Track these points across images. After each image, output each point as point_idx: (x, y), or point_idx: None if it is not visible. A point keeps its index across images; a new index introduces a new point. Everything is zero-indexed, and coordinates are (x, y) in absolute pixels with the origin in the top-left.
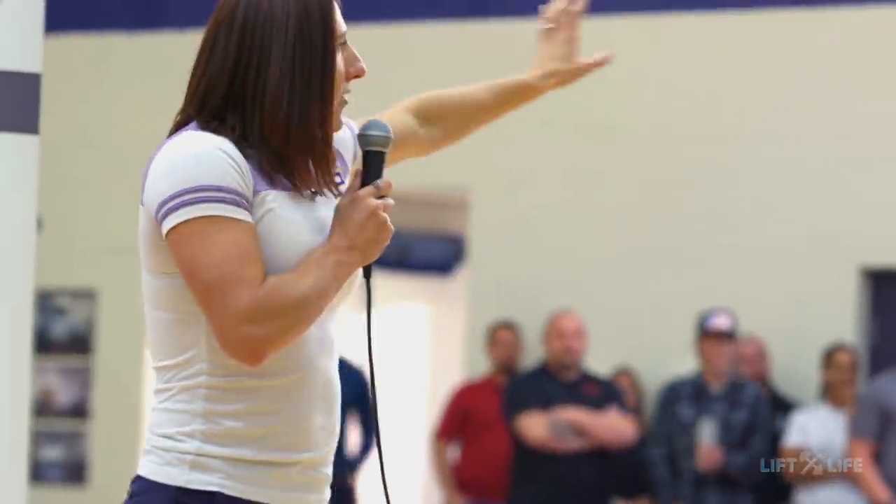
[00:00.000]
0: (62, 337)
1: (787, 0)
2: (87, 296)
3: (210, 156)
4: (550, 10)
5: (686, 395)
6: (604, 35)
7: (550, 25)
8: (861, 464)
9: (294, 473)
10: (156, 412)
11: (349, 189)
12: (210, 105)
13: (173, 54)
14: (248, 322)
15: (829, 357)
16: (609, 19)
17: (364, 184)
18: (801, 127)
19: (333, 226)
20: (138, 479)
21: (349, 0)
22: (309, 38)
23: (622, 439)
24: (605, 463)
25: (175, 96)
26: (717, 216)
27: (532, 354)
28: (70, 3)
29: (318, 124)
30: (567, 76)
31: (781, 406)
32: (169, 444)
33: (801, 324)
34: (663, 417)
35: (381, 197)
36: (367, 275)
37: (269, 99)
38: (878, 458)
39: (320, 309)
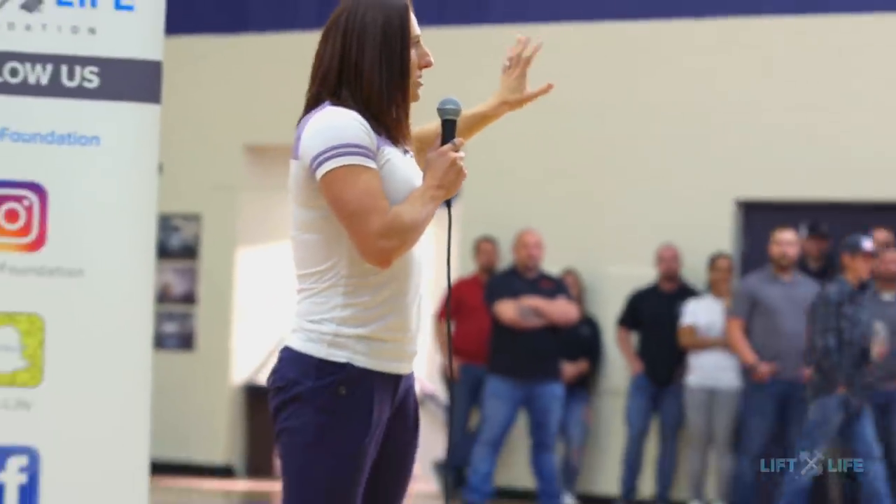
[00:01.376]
0: (176, 247)
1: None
2: (194, 218)
3: (349, 123)
4: (511, 53)
5: (844, 299)
6: (564, 39)
7: (508, 64)
8: (738, 336)
9: (398, 348)
10: (302, 304)
11: (433, 148)
12: (329, 85)
13: (253, 51)
14: (381, 238)
15: (713, 262)
16: (559, 26)
17: (443, 143)
18: (697, 95)
19: (426, 172)
20: (287, 350)
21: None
22: (391, 39)
23: (568, 319)
24: (555, 336)
25: (248, 80)
26: (637, 159)
27: (505, 260)
28: (176, 13)
29: (399, 96)
30: (516, 104)
31: (691, 293)
32: (313, 326)
33: (695, 238)
34: (835, 315)
35: (457, 151)
36: (449, 205)
37: (367, 80)
38: (747, 331)
39: (425, 229)
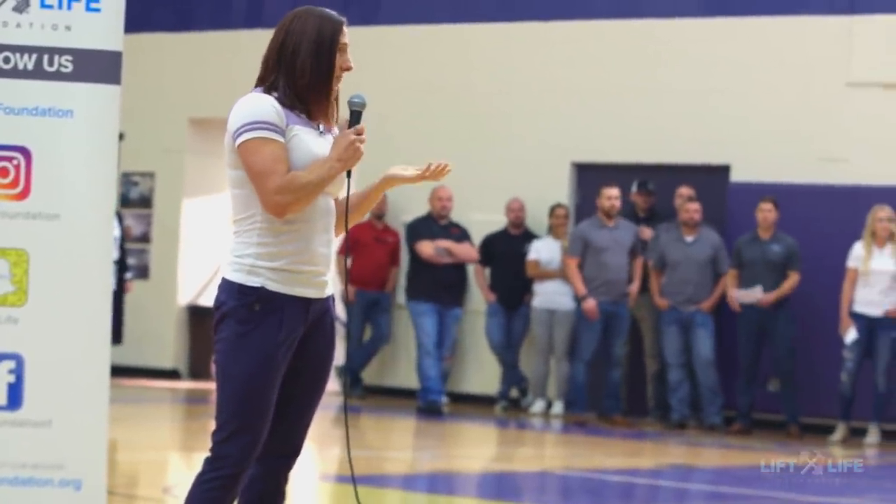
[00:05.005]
0: (135, 198)
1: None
2: (149, 176)
3: (263, 105)
4: (426, 170)
5: None
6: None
7: (418, 172)
8: (573, 271)
9: (305, 278)
10: (232, 243)
11: (341, 129)
12: (267, 76)
13: (196, 45)
14: (276, 194)
15: (553, 211)
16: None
17: (349, 127)
18: (543, 82)
19: (331, 148)
20: (222, 280)
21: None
22: (323, 44)
23: (470, 258)
24: (461, 271)
25: (192, 67)
26: (494, 130)
27: (392, 209)
28: (136, 14)
29: (323, 89)
30: (402, 183)
31: (533, 237)
32: (237, 259)
33: (539, 193)
34: None
35: (358, 134)
36: (349, 175)
37: (299, 72)
38: (581, 266)
39: (318, 190)
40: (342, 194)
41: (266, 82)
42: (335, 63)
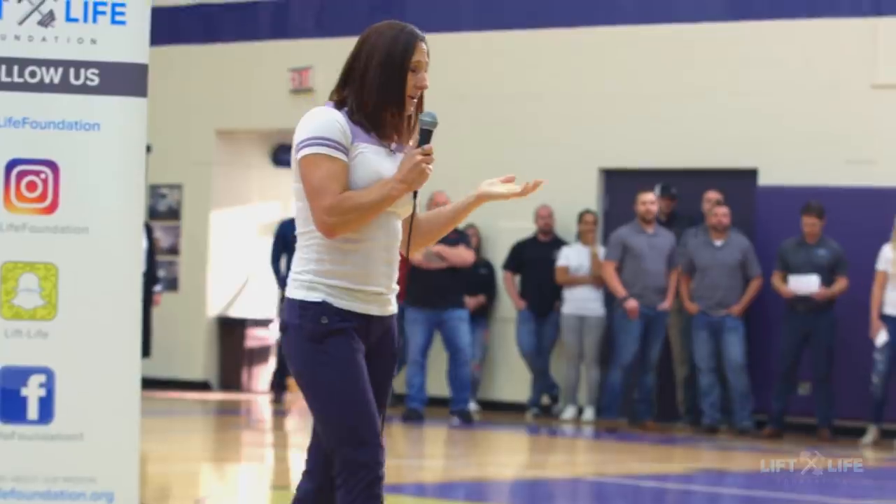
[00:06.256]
0: (163, 210)
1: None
2: (177, 187)
3: (326, 120)
4: (524, 188)
5: None
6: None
7: (516, 189)
8: (612, 274)
9: (364, 296)
10: (295, 258)
11: (408, 149)
12: (340, 89)
13: (222, 56)
14: (327, 214)
15: (581, 217)
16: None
17: (418, 146)
18: (570, 89)
19: (399, 168)
20: (287, 300)
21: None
22: (393, 60)
23: (464, 262)
24: (456, 274)
25: (218, 78)
26: (522, 137)
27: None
28: (162, 27)
29: (392, 106)
30: (495, 199)
31: (562, 244)
32: (297, 276)
33: (567, 200)
34: None
35: (425, 154)
36: (415, 195)
37: (367, 89)
38: (619, 271)
39: (375, 211)
40: (408, 214)
41: (338, 96)
42: (405, 82)
